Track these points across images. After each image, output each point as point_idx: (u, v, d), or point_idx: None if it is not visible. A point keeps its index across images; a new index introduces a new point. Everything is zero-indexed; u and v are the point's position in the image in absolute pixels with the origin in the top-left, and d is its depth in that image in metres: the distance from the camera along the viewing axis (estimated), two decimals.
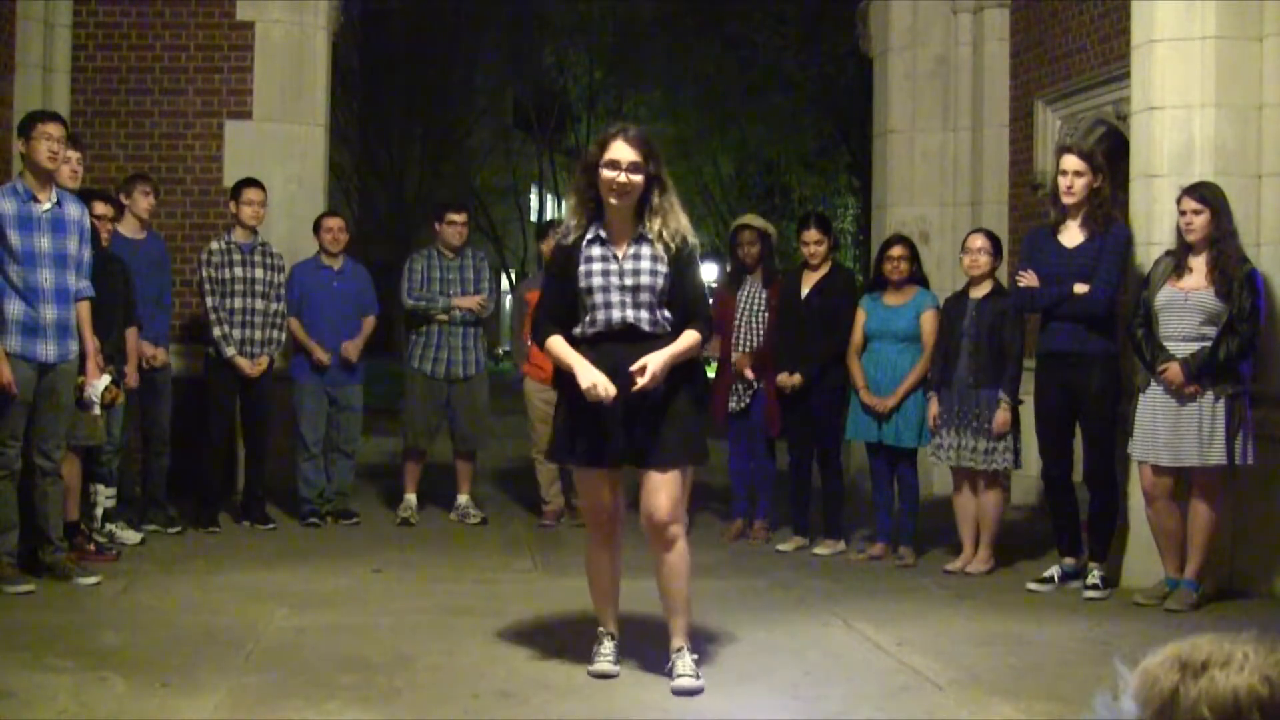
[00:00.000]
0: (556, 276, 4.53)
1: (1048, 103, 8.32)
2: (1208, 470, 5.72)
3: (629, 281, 4.37)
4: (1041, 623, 5.45)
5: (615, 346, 4.35)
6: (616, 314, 4.37)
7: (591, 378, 4.26)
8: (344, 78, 16.88)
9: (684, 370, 4.42)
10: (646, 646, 4.60)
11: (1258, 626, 1.15)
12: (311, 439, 7.83)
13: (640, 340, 4.35)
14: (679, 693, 4.25)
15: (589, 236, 4.43)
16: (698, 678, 4.30)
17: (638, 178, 4.34)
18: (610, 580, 4.60)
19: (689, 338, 4.38)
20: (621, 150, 4.33)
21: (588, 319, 4.41)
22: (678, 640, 4.42)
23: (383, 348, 8.30)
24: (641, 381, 4.24)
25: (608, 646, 4.51)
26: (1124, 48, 6.64)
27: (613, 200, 4.36)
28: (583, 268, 4.40)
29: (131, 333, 6.98)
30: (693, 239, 4.47)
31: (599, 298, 4.38)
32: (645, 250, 4.39)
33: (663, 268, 4.38)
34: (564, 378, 4.44)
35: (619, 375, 4.27)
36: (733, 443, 7.63)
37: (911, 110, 9.37)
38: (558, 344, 4.41)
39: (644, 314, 4.38)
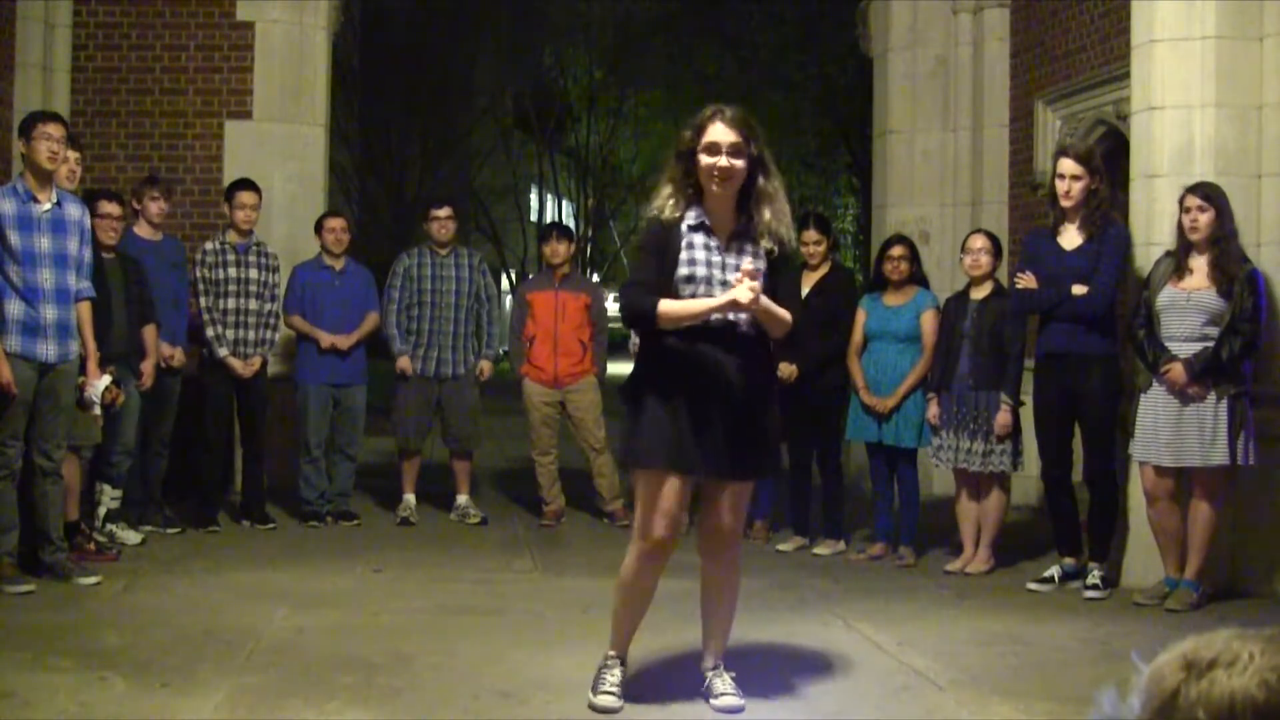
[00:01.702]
0: (654, 254, 4.07)
1: (1048, 103, 8.32)
2: (1210, 470, 5.72)
3: (730, 277, 4.00)
4: (1041, 623, 5.45)
5: (710, 348, 4.02)
6: (738, 280, 3.98)
7: (728, 296, 3.89)
8: (344, 78, 16.87)
9: (768, 378, 4.23)
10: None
11: (1254, 626, 1.14)
12: (314, 441, 7.83)
13: (736, 343, 4.04)
14: (723, 710, 4.12)
15: (690, 221, 4.07)
16: (740, 695, 4.18)
17: (740, 162, 4.00)
18: (648, 601, 4.26)
19: (783, 313, 4.07)
20: (721, 133, 3.99)
21: None
22: (715, 659, 4.28)
23: (376, 348, 8.27)
24: (747, 287, 3.88)
25: (616, 675, 4.17)
26: (1124, 48, 6.64)
27: (715, 188, 4.01)
28: (685, 254, 4.03)
29: (149, 330, 6.98)
30: (792, 237, 4.20)
31: (701, 289, 4.02)
32: (749, 245, 4.08)
33: (763, 265, 4.06)
34: (651, 374, 4.09)
35: (713, 377, 4.01)
36: None
37: (911, 110, 9.37)
38: (670, 303, 3.99)
39: (744, 314, 4.03)
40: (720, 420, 4.02)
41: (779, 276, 4.15)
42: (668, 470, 4.03)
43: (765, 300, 3.98)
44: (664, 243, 4.05)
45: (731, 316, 4.02)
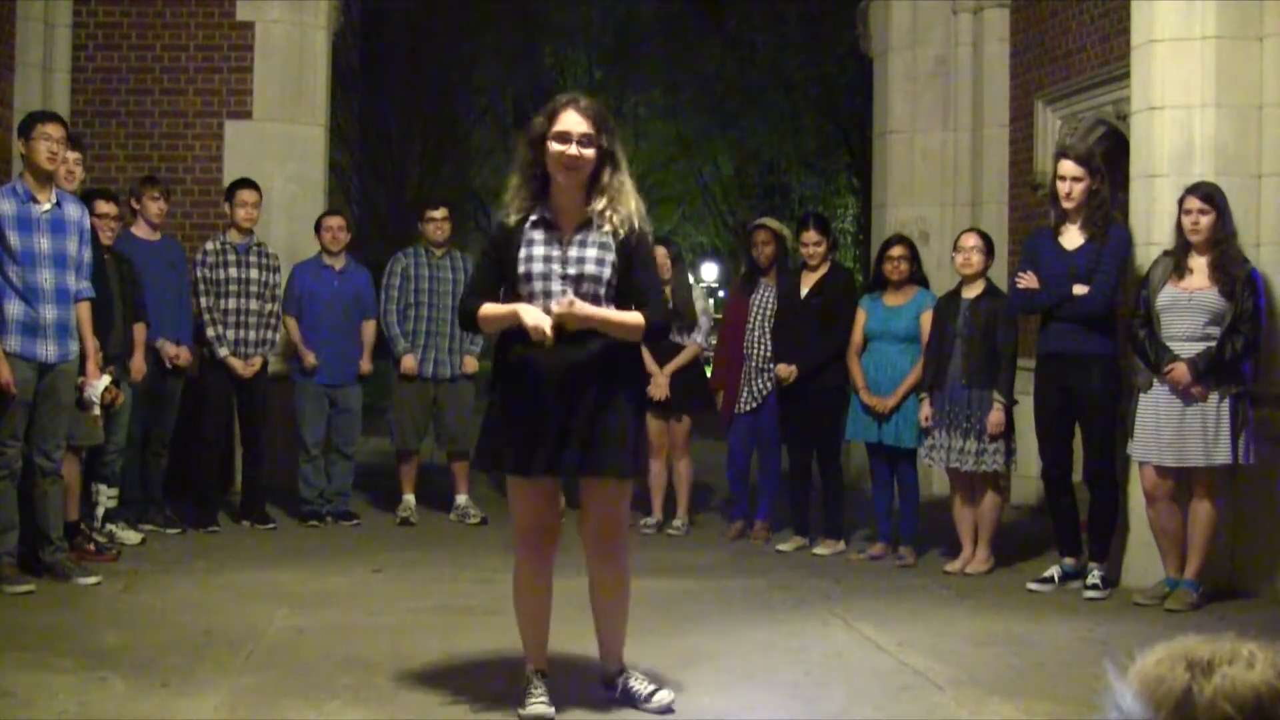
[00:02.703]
0: (492, 259, 4.08)
1: (1048, 103, 8.32)
2: (1211, 470, 5.72)
3: (571, 270, 3.96)
4: (1041, 623, 5.45)
5: (554, 347, 3.89)
6: (555, 306, 3.91)
7: (535, 315, 3.85)
8: (344, 78, 16.87)
9: (629, 373, 4.10)
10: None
11: (1254, 626, 1.15)
12: (311, 440, 7.83)
13: (581, 338, 3.92)
14: (663, 710, 4.05)
15: (532, 218, 4.02)
16: (668, 690, 4.12)
17: (589, 151, 3.93)
18: (544, 609, 4.15)
19: (631, 315, 3.99)
20: (572, 121, 3.93)
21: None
22: (618, 664, 4.19)
23: (379, 348, 8.28)
24: (561, 304, 3.86)
25: (540, 686, 4.04)
26: (1124, 48, 6.64)
27: (560, 177, 3.96)
28: (522, 251, 3.98)
29: (139, 328, 6.99)
30: (644, 224, 4.07)
31: (538, 286, 3.96)
32: (592, 237, 3.99)
33: (610, 256, 3.97)
34: (502, 376, 4.05)
35: (555, 375, 3.90)
36: (736, 443, 7.62)
37: (911, 110, 9.37)
38: (488, 307, 3.99)
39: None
40: (557, 419, 3.91)
41: (631, 263, 4.00)
42: (512, 472, 4.03)
43: (588, 310, 3.89)
44: (504, 245, 4.04)
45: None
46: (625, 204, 4.01)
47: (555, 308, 3.88)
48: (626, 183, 4.05)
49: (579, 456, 3.95)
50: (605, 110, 4.09)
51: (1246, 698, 1.08)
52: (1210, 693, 1.09)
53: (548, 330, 3.84)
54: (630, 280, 4.01)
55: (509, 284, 4.04)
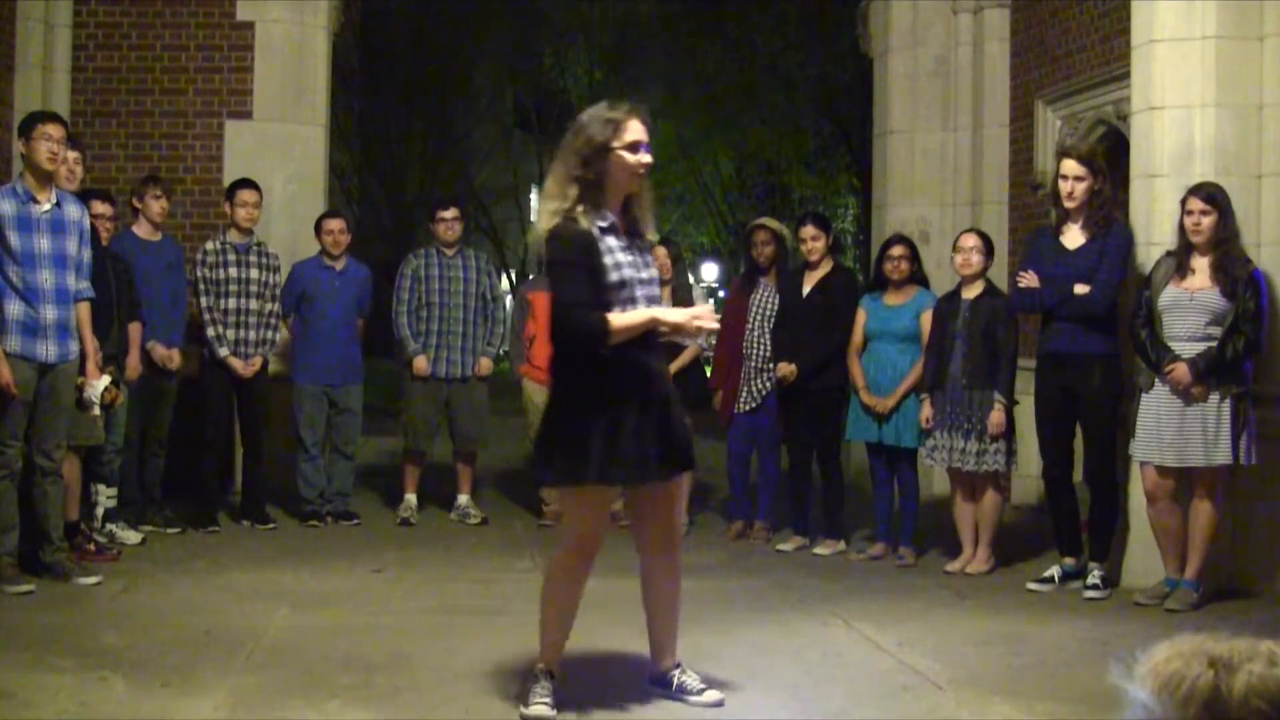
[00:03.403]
0: (586, 266, 3.94)
1: (1048, 103, 8.32)
2: (1211, 470, 5.72)
3: (644, 274, 4.04)
4: (1042, 623, 5.45)
5: (639, 350, 3.98)
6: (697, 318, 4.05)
7: (689, 311, 3.99)
8: (344, 78, 16.86)
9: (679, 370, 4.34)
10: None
11: (1254, 626, 1.15)
12: (310, 440, 7.83)
13: (653, 343, 4.04)
14: (711, 705, 4.12)
15: (601, 223, 3.97)
16: (717, 688, 4.22)
17: (649, 158, 4.05)
18: (574, 612, 4.19)
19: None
20: (640, 130, 3.99)
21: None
22: (672, 660, 4.25)
23: (381, 348, 8.27)
24: (703, 317, 4.05)
25: (547, 686, 4.06)
26: (1124, 48, 6.64)
27: (631, 184, 4.02)
28: (608, 259, 3.94)
29: (134, 327, 6.99)
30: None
31: (626, 293, 3.97)
32: (639, 241, 4.09)
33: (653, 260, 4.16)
34: (577, 385, 4.01)
35: (638, 383, 3.97)
36: (736, 442, 7.62)
37: (911, 110, 9.36)
38: (619, 317, 3.92)
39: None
40: (649, 423, 3.97)
41: (680, 272, 4.22)
42: (606, 484, 4.02)
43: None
44: (589, 251, 3.94)
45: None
46: (650, 208, 4.18)
47: (697, 318, 4.03)
48: (648, 186, 4.18)
49: (669, 457, 4.03)
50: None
51: (1274, 692, 1.07)
52: (1241, 689, 1.08)
53: (696, 325, 4.00)
54: (679, 282, 4.17)
55: (599, 294, 3.95)
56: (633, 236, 4.08)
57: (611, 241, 3.98)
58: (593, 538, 4.11)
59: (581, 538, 4.11)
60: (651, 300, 4.03)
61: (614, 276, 3.94)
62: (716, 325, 4.06)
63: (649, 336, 4.01)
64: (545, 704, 4.01)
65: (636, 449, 3.93)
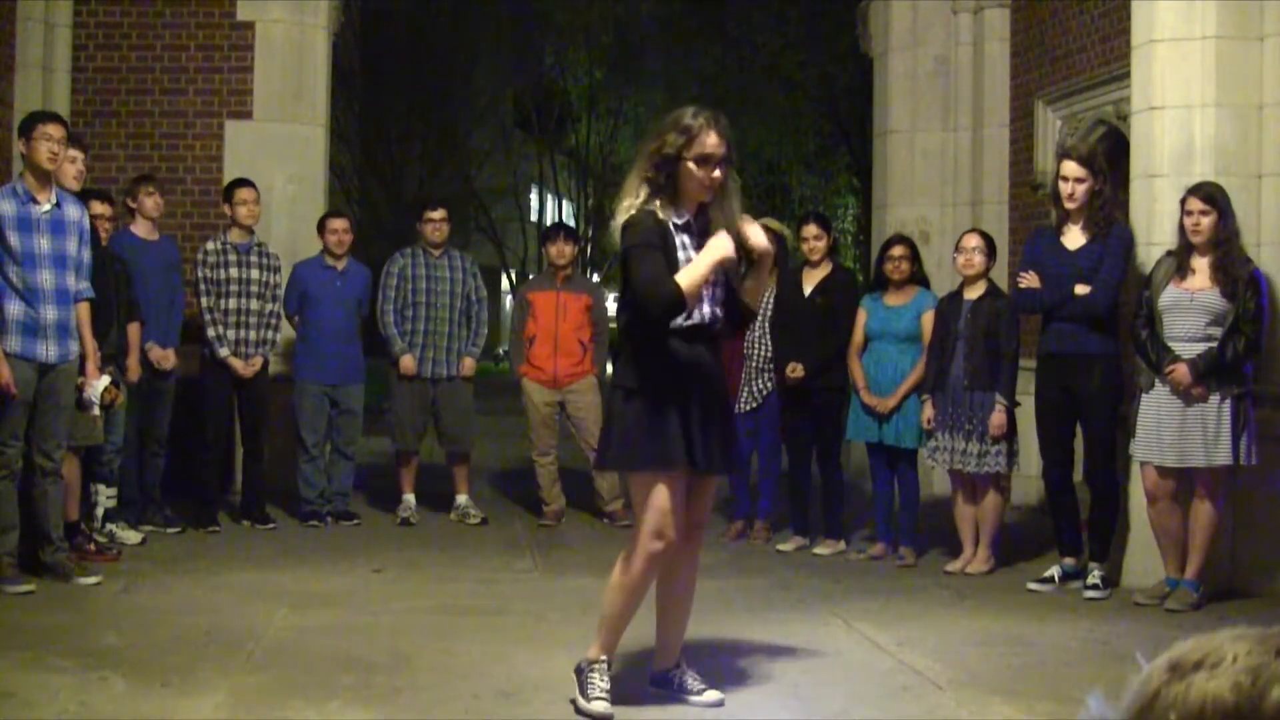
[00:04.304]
0: (659, 248, 4.00)
1: (1048, 103, 8.32)
2: (1212, 470, 5.72)
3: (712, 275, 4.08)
4: (1042, 623, 5.45)
5: (698, 346, 4.09)
6: (707, 308, 4.08)
7: (724, 242, 3.97)
8: (344, 78, 16.87)
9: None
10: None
11: (1251, 626, 1.13)
12: (311, 441, 7.83)
13: (711, 339, 4.15)
14: (712, 705, 4.13)
15: (676, 220, 4.06)
16: (718, 688, 4.22)
17: (723, 170, 4.05)
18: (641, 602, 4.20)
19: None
20: (715, 144, 4.00)
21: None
22: (674, 659, 4.25)
23: (371, 347, 8.27)
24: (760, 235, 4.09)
25: (605, 680, 4.07)
26: (1124, 48, 6.64)
27: (705, 197, 4.05)
28: (681, 254, 4.02)
29: (134, 328, 6.99)
30: (740, 224, 4.17)
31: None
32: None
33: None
34: (651, 376, 4.04)
35: (704, 376, 4.07)
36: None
37: (911, 110, 9.36)
38: (683, 276, 3.96)
39: (720, 311, 4.15)
40: (714, 416, 4.11)
41: (727, 273, 4.18)
42: (679, 470, 4.03)
43: (759, 241, 4.08)
44: (664, 239, 4.02)
45: (708, 316, 4.09)
46: (733, 206, 4.12)
47: (755, 238, 4.07)
48: (736, 184, 4.16)
49: (723, 453, 4.13)
50: (728, 121, 4.14)
51: (1192, 709, 1.04)
52: (1170, 699, 1.06)
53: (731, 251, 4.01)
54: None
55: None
56: (704, 236, 4.09)
57: (685, 238, 4.07)
58: (671, 525, 4.05)
59: (659, 525, 4.05)
60: (714, 300, 4.11)
61: (684, 265, 4.02)
62: (728, 247, 4.01)
63: (707, 335, 4.11)
64: (605, 700, 4.01)
65: (703, 437, 4.03)
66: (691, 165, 3.99)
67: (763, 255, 4.15)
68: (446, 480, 8.28)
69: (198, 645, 4.77)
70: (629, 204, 4.07)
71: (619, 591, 4.15)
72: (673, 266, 3.99)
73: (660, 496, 4.04)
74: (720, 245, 3.98)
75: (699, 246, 4.06)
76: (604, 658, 4.12)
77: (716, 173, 4.01)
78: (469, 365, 8.05)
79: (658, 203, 4.04)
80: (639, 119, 26.00)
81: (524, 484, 8.68)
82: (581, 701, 4.03)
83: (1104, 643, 5.06)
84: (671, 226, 4.04)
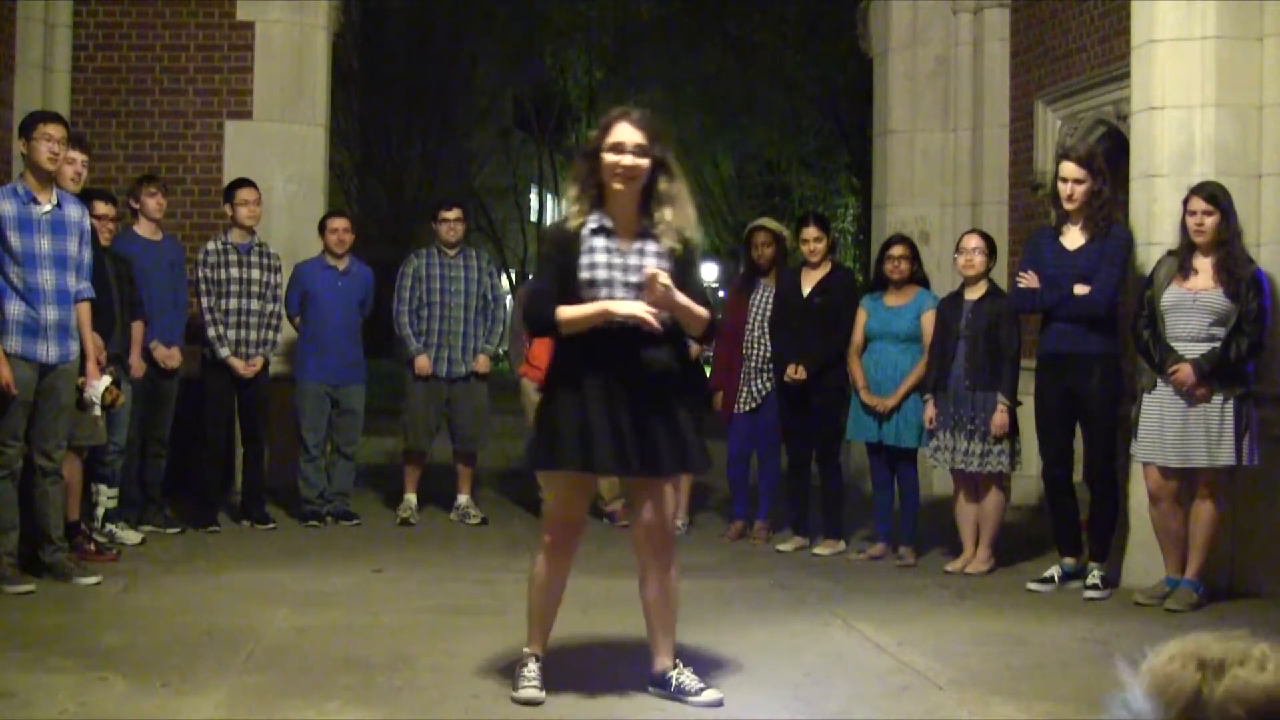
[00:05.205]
0: (556, 263, 4.17)
1: (1048, 103, 8.32)
2: (1214, 471, 5.72)
3: (634, 278, 4.10)
4: (1041, 623, 5.45)
5: (616, 345, 4.08)
6: (646, 276, 4.07)
7: (631, 306, 4.00)
8: (344, 78, 16.87)
9: (689, 376, 4.30)
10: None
11: (1254, 626, 1.14)
12: (312, 441, 7.83)
13: (642, 341, 4.09)
14: (710, 705, 4.13)
15: (592, 225, 4.14)
16: (716, 688, 4.23)
17: (643, 161, 4.09)
18: (556, 599, 4.33)
19: (700, 308, 4.14)
20: (625, 132, 4.09)
21: None
22: (670, 659, 4.27)
23: (382, 348, 8.28)
24: (651, 275, 3.99)
25: (534, 669, 4.20)
26: (1124, 48, 6.64)
27: (616, 185, 4.10)
28: (585, 258, 4.11)
29: (137, 326, 7.00)
30: (696, 237, 4.25)
31: (602, 293, 4.09)
32: (651, 246, 4.14)
33: (667, 265, 4.10)
34: (561, 375, 4.19)
35: (619, 377, 4.07)
36: (736, 442, 7.62)
37: (911, 110, 9.37)
38: (567, 310, 4.08)
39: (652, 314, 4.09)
40: (627, 417, 4.06)
41: (686, 276, 4.15)
42: (571, 471, 4.13)
43: (679, 297, 4.04)
44: (564, 249, 4.14)
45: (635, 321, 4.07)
46: (682, 212, 4.17)
47: (648, 277, 4.00)
48: (683, 191, 4.21)
49: (649, 455, 4.09)
50: (658, 122, 4.23)
51: (1257, 700, 1.06)
52: (1221, 694, 1.07)
53: (650, 318, 4.00)
54: (683, 288, 4.11)
55: (570, 290, 4.12)
56: (641, 239, 4.14)
57: (598, 242, 4.12)
58: (565, 523, 4.25)
59: (554, 522, 4.28)
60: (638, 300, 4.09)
61: (584, 275, 4.10)
62: (645, 321, 4.00)
63: (633, 334, 4.07)
64: (534, 687, 4.13)
65: (611, 439, 4.04)
66: (605, 154, 4.10)
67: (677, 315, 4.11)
68: (448, 480, 8.28)
69: (197, 645, 4.76)
70: (566, 209, 4.23)
71: (529, 587, 4.36)
72: (570, 275, 4.10)
73: (552, 496, 4.29)
74: (621, 306, 4.03)
75: (619, 250, 4.11)
76: (527, 650, 4.26)
77: (626, 159, 4.07)
78: (484, 361, 8.05)
79: (575, 209, 4.16)
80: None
81: (524, 484, 8.68)
82: (512, 693, 4.16)
83: (1104, 643, 5.05)
84: (587, 231, 4.12)
